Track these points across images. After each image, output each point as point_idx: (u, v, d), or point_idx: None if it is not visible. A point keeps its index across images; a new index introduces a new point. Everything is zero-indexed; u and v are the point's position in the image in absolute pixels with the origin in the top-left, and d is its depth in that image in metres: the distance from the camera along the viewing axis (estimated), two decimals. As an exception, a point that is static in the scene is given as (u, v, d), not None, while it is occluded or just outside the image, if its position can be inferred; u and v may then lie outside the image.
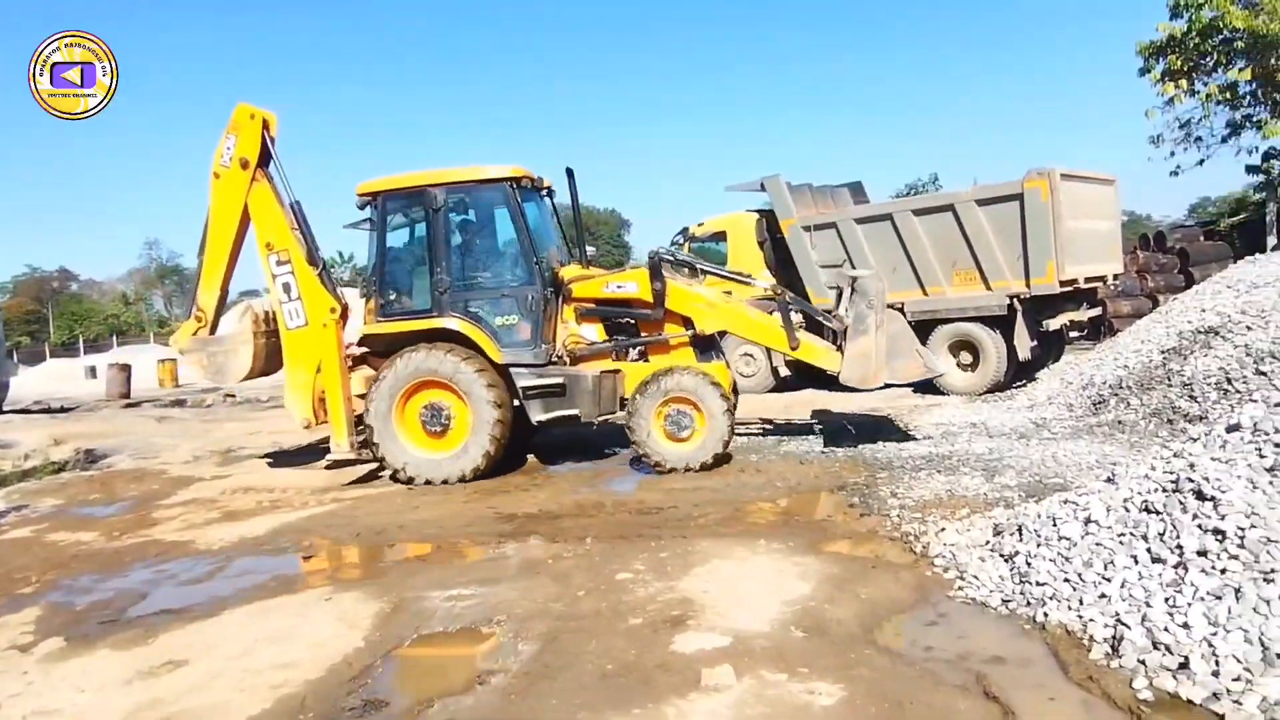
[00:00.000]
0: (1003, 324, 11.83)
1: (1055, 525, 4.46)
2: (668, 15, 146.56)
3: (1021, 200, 11.24)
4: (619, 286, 8.61)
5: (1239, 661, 3.17)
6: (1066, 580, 4.06)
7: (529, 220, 8.37)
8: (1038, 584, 4.13)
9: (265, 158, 8.60)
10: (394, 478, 8.24)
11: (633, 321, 8.76)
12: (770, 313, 8.53)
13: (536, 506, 7.02)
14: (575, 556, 5.51)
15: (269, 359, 9.24)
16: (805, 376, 12.57)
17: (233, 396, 18.40)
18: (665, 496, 7.01)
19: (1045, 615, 3.90)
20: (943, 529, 5.29)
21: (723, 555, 5.29)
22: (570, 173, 8.90)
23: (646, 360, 8.76)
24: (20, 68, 8.76)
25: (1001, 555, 4.59)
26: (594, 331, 8.71)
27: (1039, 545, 4.40)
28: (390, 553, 6.01)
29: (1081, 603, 3.86)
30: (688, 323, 8.49)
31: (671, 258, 9.05)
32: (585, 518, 6.57)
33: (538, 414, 8.30)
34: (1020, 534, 4.62)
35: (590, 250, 9.78)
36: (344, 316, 8.56)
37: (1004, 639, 3.83)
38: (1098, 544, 4.14)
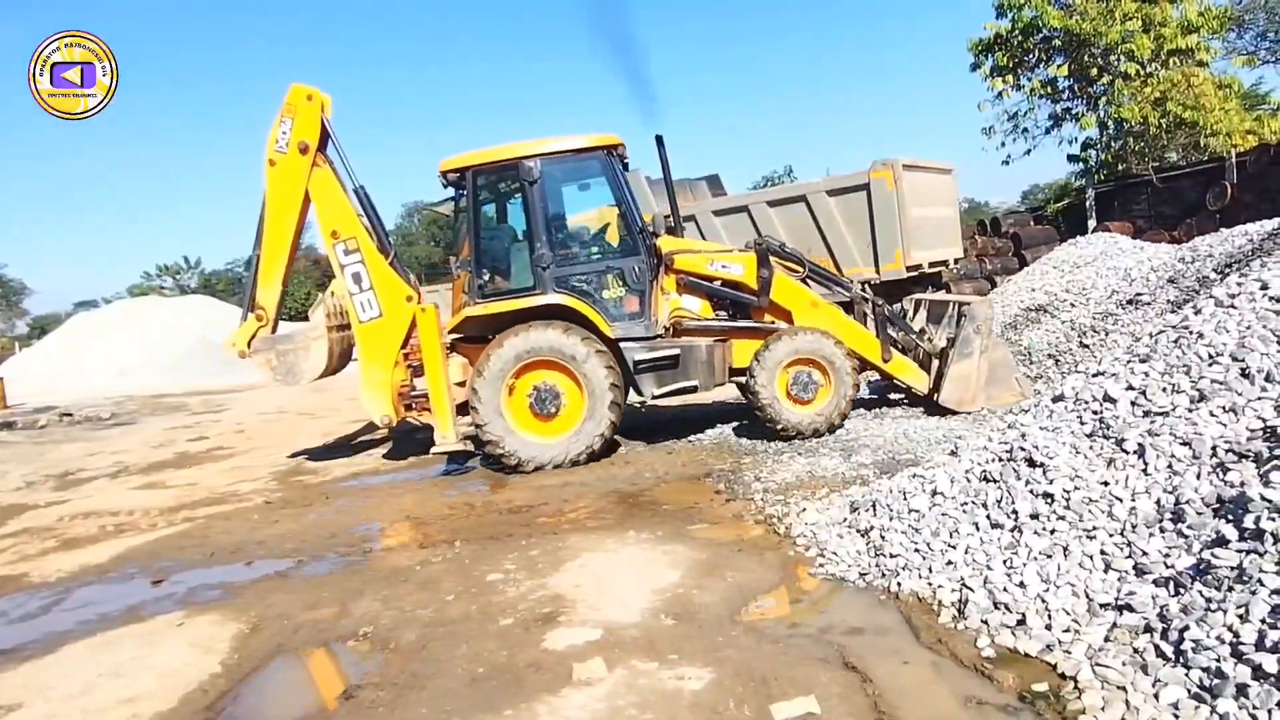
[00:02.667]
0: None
1: (905, 499, 4.69)
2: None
3: (868, 190, 11.78)
4: (724, 266, 8.40)
5: (1068, 614, 3.42)
6: (917, 550, 4.28)
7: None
8: (891, 556, 4.34)
9: (324, 141, 8.14)
10: (502, 465, 7.89)
11: (732, 302, 8.51)
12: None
13: (403, 513, 6.86)
14: (444, 561, 5.41)
15: (342, 356, 8.71)
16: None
17: (69, 415, 17.14)
18: (536, 494, 6.98)
19: (899, 585, 4.10)
20: (804, 509, 5.48)
21: (593, 549, 5.31)
22: (660, 140, 8.54)
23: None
24: (20, 68, 8.59)
25: (858, 531, 4.80)
26: (695, 304, 8.49)
27: (891, 519, 4.63)
28: (248, 571, 5.73)
29: (931, 570, 4.08)
30: (786, 316, 8.38)
31: (780, 248, 8.75)
32: (454, 520, 6.46)
33: (651, 388, 8.05)
34: (874, 509, 4.84)
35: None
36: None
37: (862, 611, 4.00)
38: (944, 514, 4.38)
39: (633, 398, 8.31)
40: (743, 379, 8.30)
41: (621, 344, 7.96)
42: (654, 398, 8.16)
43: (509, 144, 8.06)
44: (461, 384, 8.11)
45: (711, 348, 8.08)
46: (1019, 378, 8.46)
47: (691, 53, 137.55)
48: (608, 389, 7.69)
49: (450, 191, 8.39)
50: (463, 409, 8.08)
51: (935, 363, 8.28)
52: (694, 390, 8.12)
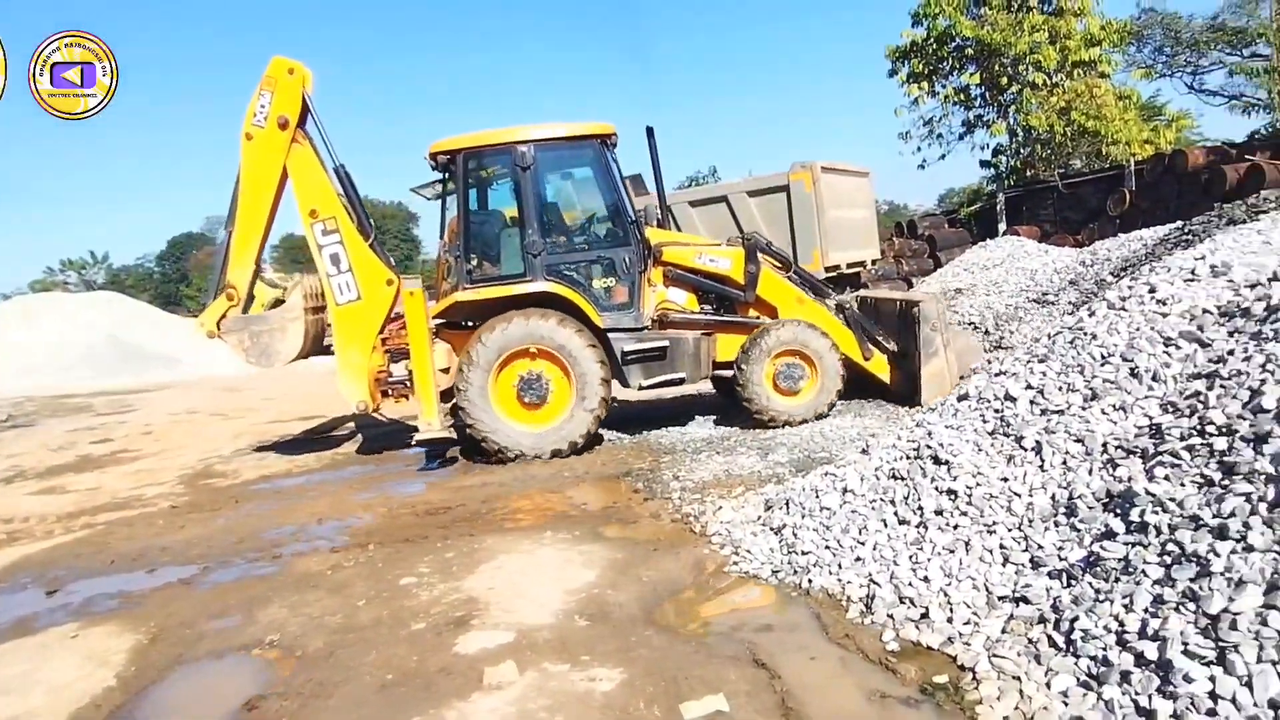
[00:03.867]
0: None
1: (818, 497, 4.78)
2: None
3: (788, 191, 11.95)
4: (712, 260, 8.44)
5: (968, 607, 3.54)
6: (828, 547, 4.36)
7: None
8: (803, 553, 4.42)
9: (304, 117, 7.84)
10: (487, 454, 7.78)
11: (718, 296, 8.57)
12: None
13: (315, 516, 6.69)
14: (356, 565, 5.30)
15: (317, 339, 8.40)
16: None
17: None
18: (453, 495, 6.89)
19: (810, 581, 4.18)
20: (720, 508, 5.53)
21: (509, 550, 5.27)
22: (650, 131, 8.41)
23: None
24: (20, 68, 8.23)
25: (772, 529, 4.86)
26: (682, 297, 8.48)
27: (804, 516, 4.71)
28: (149, 579, 5.51)
29: (840, 567, 4.17)
30: (772, 311, 8.42)
31: (767, 246, 8.80)
32: (368, 522, 6.34)
33: (638, 379, 8.01)
34: (788, 507, 4.91)
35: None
36: (399, 291, 7.91)
37: (773, 608, 4.06)
38: (854, 511, 4.48)
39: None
40: (725, 372, 8.40)
41: (610, 334, 7.95)
42: (641, 389, 8.21)
43: (501, 128, 7.96)
44: (445, 370, 7.99)
45: (698, 340, 8.15)
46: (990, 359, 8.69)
47: (619, 54, 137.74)
48: (597, 379, 7.67)
49: (437, 175, 8.29)
50: (444, 396, 7.98)
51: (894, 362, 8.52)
52: (681, 382, 8.19)
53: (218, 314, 8.30)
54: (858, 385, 8.66)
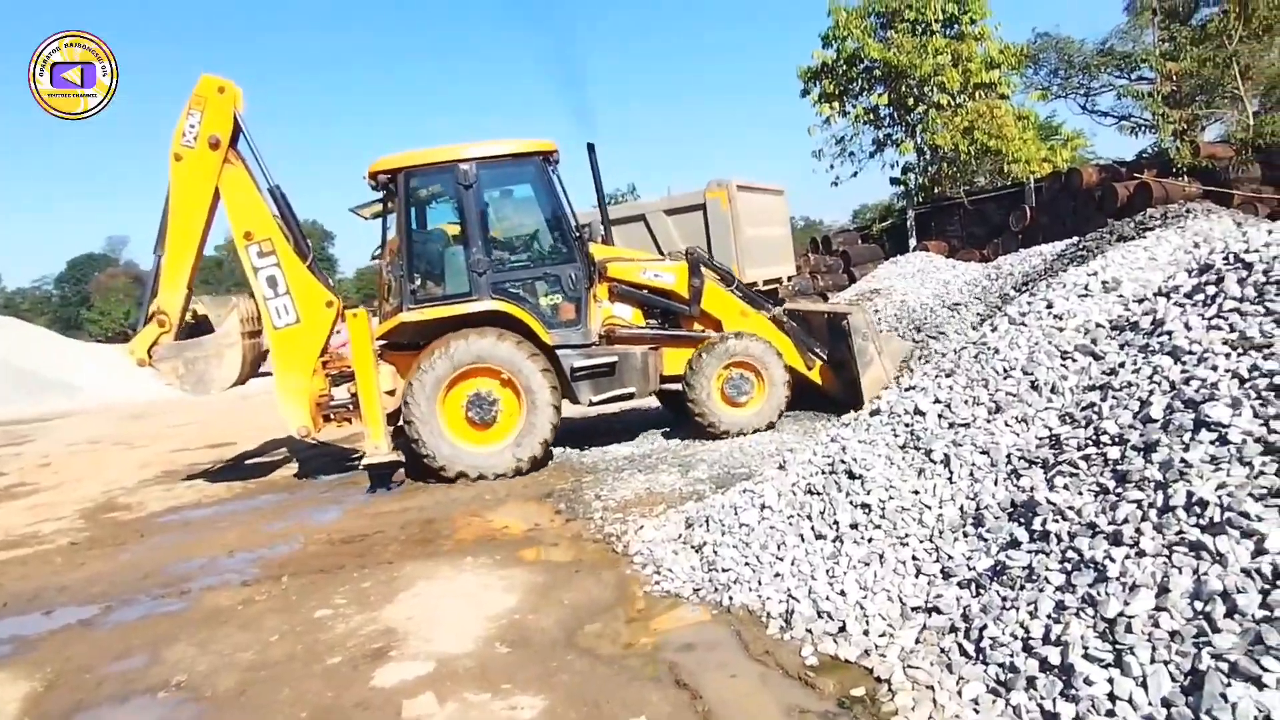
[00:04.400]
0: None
1: (736, 514, 4.83)
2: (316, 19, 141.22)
3: (704, 209, 12.12)
4: (656, 275, 8.50)
5: (883, 619, 3.62)
6: (747, 564, 4.41)
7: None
8: (723, 570, 4.45)
9: (236, 136, 7.58)
10: (434, 476, 7.64)
11: (663, 310, 8.64)
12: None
13: (225, 547, 6.46)
14: (268, 598, 5.13)
15: (254, 364, 8.14)
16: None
17: None
18: (370, 522, 6.75)
19: (730, 599, 4.21)
20: (641, 527, 5.54)
21: (428, 577, 5.18)
22: (591, 148, 8.37)
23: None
24: (20, 68, 8.15)
25: (692, 547, 4.89)
26: (627, 312, 8.49)
27: (723, 534, 4.75)
28: (46, 621, 5.23)
29: (760, 583, 4.21)
30: (716, 325, 8.47)
31: (709, 260, 8.83)
32: (281, 553, 6.15)
33: (588, 395, 7.96)
34: (708, 525, 4.95)
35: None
36: (339, 313, 7.69)
37: (695, 627, 4.08)
38: (772, 527, 4.54)
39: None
40: (673, 386, 8.47)
41: (558, 351, 7.92)
42: (591, 404, 8.21)
43: (442, 146, 7.90)
44: (390, 393, 7.84)
45: (646, 355, 8.20)
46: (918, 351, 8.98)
47: (537, 69, 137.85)
48: (547, 397, 7.62)
49: (377, 194, 8.18)
50: (390, 419, 7.84)
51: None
52: (630, 397, 8.24)
53: (149, 341, 8.03)
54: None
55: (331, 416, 8.13)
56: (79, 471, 10.88)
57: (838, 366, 8.62)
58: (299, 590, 5.22)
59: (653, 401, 9.33)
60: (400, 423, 7.83)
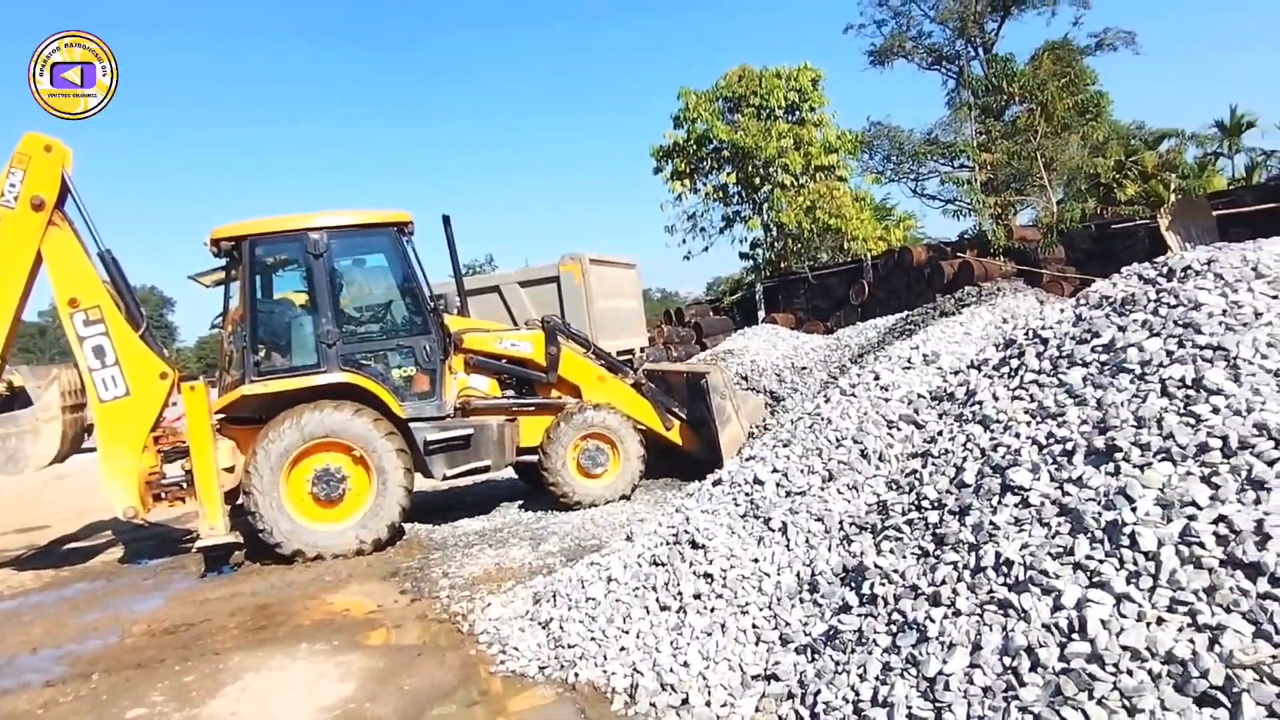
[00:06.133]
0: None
1: (584, 587, 4.80)
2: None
3: (558, 282, 12.26)
4: (513, 345, 8.47)
5: (725, 689, 3.66)
6: (593, 639, 4.37)
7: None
8: (569, 646, 4.40)
9: (63, 198, 7.08)
10: (277, 556, 7.23)
11: (521, 380, 8.59)
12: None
13: (28, 644, 5.86)
14: (75, 699, 4.68)
15: (75, 440, 7.46)
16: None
17: None
18: (197, 610, 6.29)
19: (576, 675, 4.15)
20: (488, 604, 5.42)
21: (257, 667, 4.87)
22: (447, 220, 8.18)
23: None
24: (20, 68, 7.94)
25: (539, 623, 4.81)
26: (484, 383, 8.40)
27: (570, 608, 4.70)
28: None
29: (606, 658, 4.18)
30: (574, 391, 8.36)
31: (565, 327, 8.83)
32: (93, 648, 5.64)
33: (442, 469, 7.64)
34: (555, 600, 4.89)
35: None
36: (175, 385, 7.14)
37: (540, 706, 4.00)
38: (618, 600, 4.54)
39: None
40: (529, 458, 8.37)
41: (411, 424, 7.68)
42: (445, 478, 8.03)
43: (291, 215, 7.66)
44: (229, 469, 7.38)
45: (502, 426, 8.07)
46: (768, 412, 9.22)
47: (389, 137, 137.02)
48: (400, 478, 7.35)
49: (219, 261, 7.86)
50: (228, 497, 7.37)
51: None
52: (486, 470, 8.09)
53: None
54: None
55: (163, 495, 7.59)
56: None
57: (697, 425, 8.79)
58: (110, 688, 4.80)
59: (506, 473, 9.21)
60: (239, 501, 7.42)
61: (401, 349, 8.01)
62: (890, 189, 30.38)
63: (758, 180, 24.02)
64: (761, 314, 22.20)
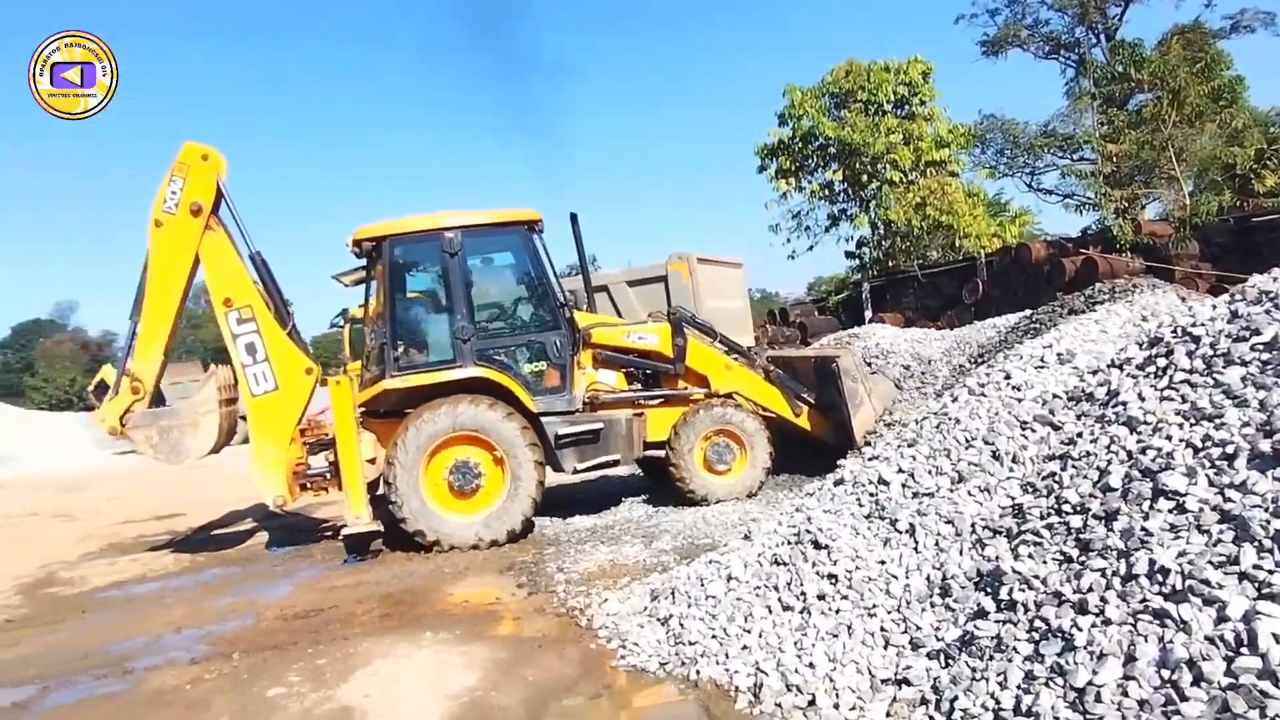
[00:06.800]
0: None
1: (703, 585, 4.77)
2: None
3: (666, 281, 12.26)
4: (640, 338, 8.51)
5: (853, 691, 3.57)
6: (714, 637, 4.34)
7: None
8: (690, 643, 4.38)
9: (218, 203, 7.59)
10: (414, 545, 7.48)
11: (648, 372, 8.65)
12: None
13: (172, 624, 6.21)
14: (218, 677, 4.93)
15: (229, 432, 8.02)
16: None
17: None
18: (325, 596, 6.55)
19: (698, 673, 4.13)
20: (605, 599, 5.45)
21: (385, 654, 5.02)
22: (574, 217, 8.43)
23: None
24: (20, 68, 8.22)
25: (658, 619, 4.81)
26: (611, 378, 8.52)
27: (690, 606, 4.68)
28: (-29, 706, 4.98)
29: (728, 656, 4.15)
30: (702, 381, 8.48)
31: (692, 318, 8.88)
32: (231, 630, 5.93)
33: (572, 463, 7.89)
34: (674, 597, 4.88)
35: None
36: (320, 380, 7.61)
37: (664, 703, 3.99)
38: (739, 599, 4.49)
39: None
40: (656, 452, 8.44)
41: (542, 418, 7.85)
42: (575, 472, 8.15)
43: (427, 214, 7.92)
44: (371, 461, 7.73)
45: (630, 421, 8.17)
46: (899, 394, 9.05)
47: (503, 141, 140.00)
48: (531, 465, 7.53)
49: (358, 261, 8.17)
50: (369, 487, 7.71)
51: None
52: (615, 464, 8.20)
53: (121, 408, 7.89)
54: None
55: (308, 485, 7.99)
56: (15, 545, 10.45)
57: (827, 410, 8.68)
58: (249, 668, 5.03)
59: (615, 470, 9.27)
60: (379, 492, 7.69)
61: (532, 344, 8.14)
62: (1004, 184, 29.40)
63: (865, 177, 23.50)
64: (869, 313, 21.76)
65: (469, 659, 4.81)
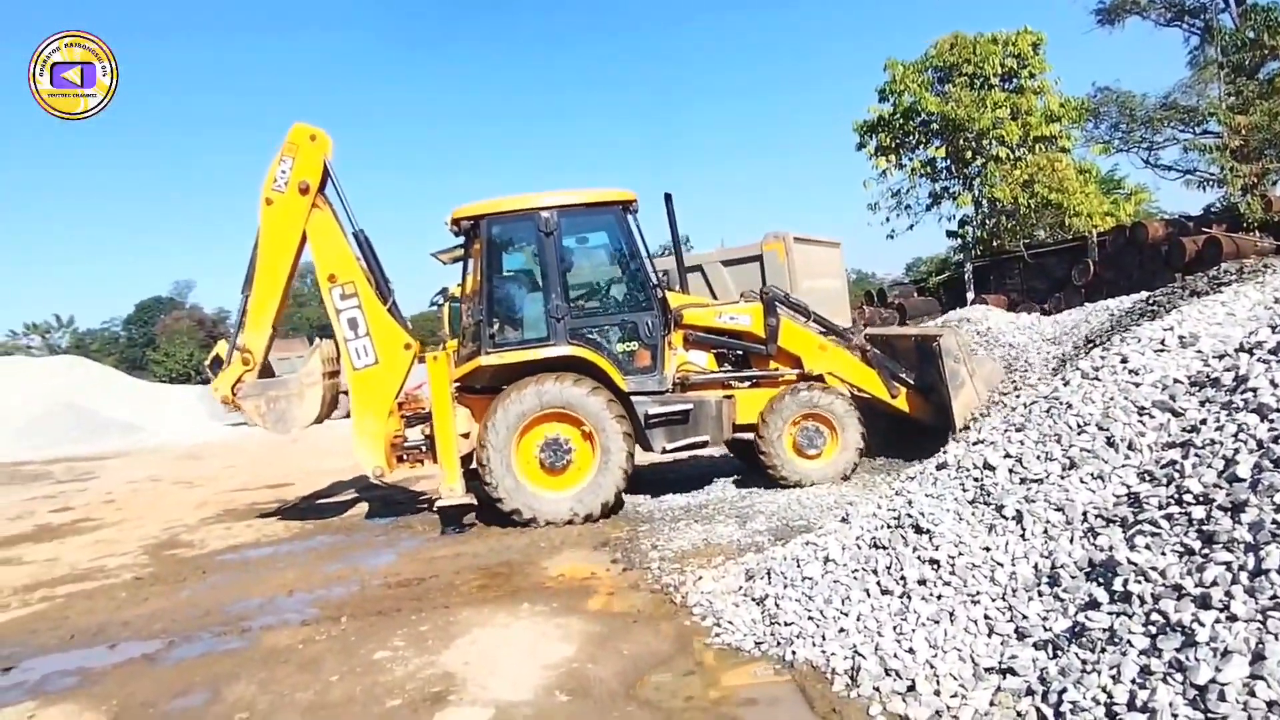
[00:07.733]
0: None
1: (799, 566, 4.74)
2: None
3: (761, 261, 12.13)
4: (732, 318, 8.53)
5: (955, 679, 3.49)
6: (811, 618, 4.31)
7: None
8: (786, 624, 4.36)
9: (324, 182, 7.99)
10: (505, 519, 7.70)
11: (740, 353, 8.67)
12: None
13: (284, 587, 6.52)
14: (328, 639, 5.15)
15: (332, 403, 8.44)
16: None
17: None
18: (426, 566, 6.76)
19: (794, 653, 4.11)
20: (700, 578, 5.47)
21: (484, 623, 5.16)
22: (668, 198, 8.58)
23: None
24: (20, 68, 8.50)
25: (753, 599, 4.80)
26: (701, 358, 8.54)
27: (785, 587, 4.66)
28: (110, 655, 5.32)
29: (824, 638, 4.11)
30: (795, 361, 8.47)
31: (785, 297, 8.87)
32: (339, 594, 6.18)
33: (662, 443, 8.02)
34: (769, 577, 4.86)
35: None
36: (419, 356, 7.96)
37: (757, 681, 3.99)
38: (836, 581, 4.44)
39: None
40: (746, 435, 8.43)
41: (633, 398, 7.96)
42: (664, 452, 8.22)
43: (523, 195, 8.06)
44: (465, 435, 7.96)
45: (720, 402, 8.19)
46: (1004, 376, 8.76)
47: (603, 122, 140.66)
48: (621, 443, 7.64)
49: (457, 240, 8.39)
50: (463, 461, 7.96)
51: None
52: (704, 445, 8.23)
53: (233, 379, 8.30)
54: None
55: (405, 457, 8.26)
56: (141, 509, 11.13)
57: (927, 391, 8.51)
58: (357, 631, 5.24)
59: (705, 451, 9.26)
60: (473, 465, 7.90)
61: (625, 324, 8.17)
62: (1119, 160, 27.95)
63: (969, 154, 22.64)
64: (971, 295, 21.06)
65: (565, 631, 4.89)
